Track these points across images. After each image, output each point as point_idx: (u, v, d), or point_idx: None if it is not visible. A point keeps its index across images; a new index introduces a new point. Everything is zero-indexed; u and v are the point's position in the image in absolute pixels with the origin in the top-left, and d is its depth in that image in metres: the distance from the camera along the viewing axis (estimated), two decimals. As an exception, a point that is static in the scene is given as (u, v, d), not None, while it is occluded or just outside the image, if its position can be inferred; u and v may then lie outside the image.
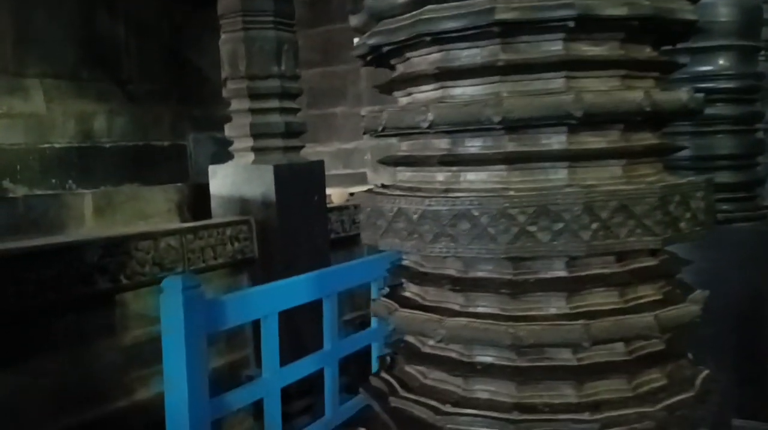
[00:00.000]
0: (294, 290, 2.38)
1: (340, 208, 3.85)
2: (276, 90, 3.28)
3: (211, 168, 3.41)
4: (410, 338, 0.94)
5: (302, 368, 2.43)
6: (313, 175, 3.46)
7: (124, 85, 4.48)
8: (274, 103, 3.30)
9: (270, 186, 3.20)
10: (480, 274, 0.83)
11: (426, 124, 0.81)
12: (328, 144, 5.39)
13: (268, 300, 2.25)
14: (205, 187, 3.78)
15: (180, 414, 1.89)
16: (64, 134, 4.00)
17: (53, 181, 3.87)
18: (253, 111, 3.27)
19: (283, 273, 3.26)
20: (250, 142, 3.30)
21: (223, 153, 5.25)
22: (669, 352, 0.86)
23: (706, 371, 0.88)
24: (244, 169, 3.27)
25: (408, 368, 0.93)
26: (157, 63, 4.73)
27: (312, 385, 2.70)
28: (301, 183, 3.36)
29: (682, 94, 0.83)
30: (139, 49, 4.58)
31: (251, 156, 3.31)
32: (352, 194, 4.47)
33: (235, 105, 3.35)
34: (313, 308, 2.54)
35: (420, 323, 0.85)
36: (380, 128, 0.90)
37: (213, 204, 3.40)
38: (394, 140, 0.97)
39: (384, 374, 0.95)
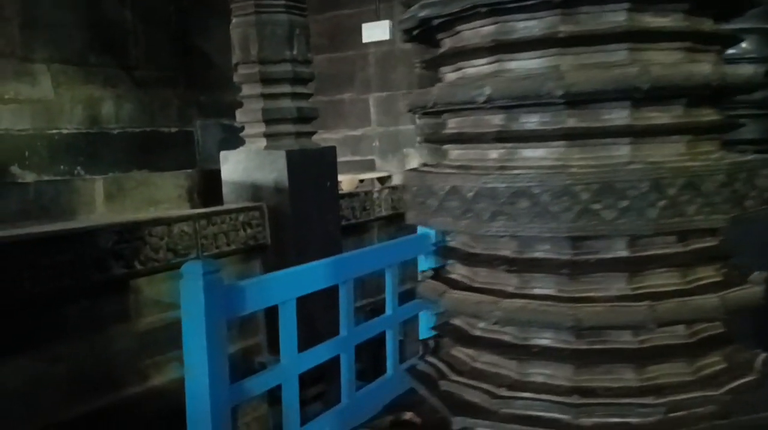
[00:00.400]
0: (311, 276, 2.36)
1: (350, 195, 3.82)
2: (288, 75, 3.24)
3: (223, 154, 3.38)
4: (458, 321, 0.91)
5: (319, 354, 2.41)
6: (325, 161, 3.42)
7: (131, 70, 4.44)
8: (286, 88, 3.26)
9: (282, 172, 3.17)
10: (537, 254, 0.80)
11: (483, 99, 0.78)
12: (335, 131, 5.34)
13: (287, 286, 2.23)
14: (214, 173, 3.75)
15: (201, 400, 1.88)
16: (71, 120, 3.96)
17: (62, 167, 3.83)
18: (264, 96, 3.23)
19: (295, 260, 3.25)
20: (261, 128, 3.27)
21: (230, 139, 5.22)
22: (729, 335, 0.84)
23: (764, 354, 0.86)
24: (256, 154, 3.24)
25: (456, 352, 0.90)
26: (164, 48, 4.68)
27: (324, 372, 2.69)
28: (313, 169, 3.33)
29: (747, 69, 0.80)
30: (146, 33, 4.53)
31: (263, 142, 3.28)
32: (361, 181, 4.44)
33: (246, 90, 3.31)
34: (327, 295, 2.52)
35: (473, 305, 0.83)
36: (430, 105, 0.87)
37: (224, 190, 3.37)
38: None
39: (430, 358, 0.92)
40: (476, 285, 0.86)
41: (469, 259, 0.88)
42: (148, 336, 2.73)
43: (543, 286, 0.80)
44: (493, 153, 0.83)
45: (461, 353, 0.89)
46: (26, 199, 3.25)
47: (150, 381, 2.67)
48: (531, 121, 0.80)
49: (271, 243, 3.24)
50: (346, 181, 4.10)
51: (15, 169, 3.64)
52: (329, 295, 2.50)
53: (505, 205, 0.76)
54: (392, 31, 4.89)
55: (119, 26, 4.35)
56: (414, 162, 4.63)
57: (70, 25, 4.03)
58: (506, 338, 0.84)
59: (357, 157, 5.21)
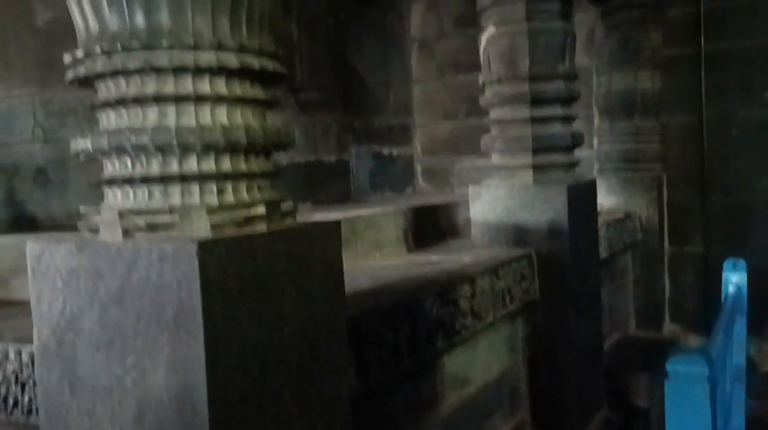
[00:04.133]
0: None
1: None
2: (561, 94, 2.70)
3: (473, 189, 2.82)
4: None
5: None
6: (593, 196, 2.88)
7: (296, 92, 3.91)
8: (557, 110, 2.72)
9: (561, 211, 2.61)
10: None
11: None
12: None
13: None
14: (424, 210, 3.20)
15: None
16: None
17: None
18: (534, 120, 2.69)
19: (575, 320, 2.69)
20: (527, 159, 2.71)
21: (380, 168, 4.68)
22: None
23: None
24: (524, 190, 2.68)
25: None
26: (325, 67, 4.15)
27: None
28: (586, 206, 2.78)
29: None
30: (310, 50, 4.01)
31: (527, 174, 2.72)
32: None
33: (501, 113, 2.76)
34: None
35: None
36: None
37: (474, 232, 2.81)
38: None
39: None
40: None
41: None
42: (451, 422, 2.16)
43: None
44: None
45: None
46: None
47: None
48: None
49: (540, 298, 2.67)
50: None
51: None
52: None
53: None
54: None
55: (287, 41, 3.82)
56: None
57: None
58: None
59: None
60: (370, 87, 4.56)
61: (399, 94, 4.86)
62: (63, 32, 2.79)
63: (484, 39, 2.78)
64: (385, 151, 4.73)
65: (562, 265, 2.63)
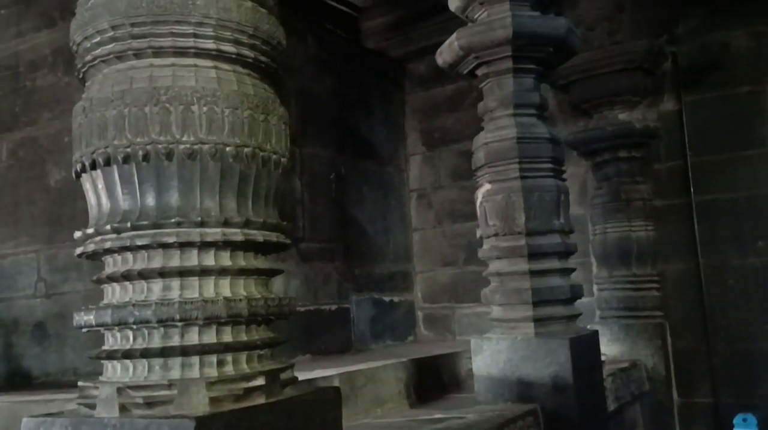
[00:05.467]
0: None
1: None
2: (558, 248, 2.75)
3: (474, 342, 2.80)
4: None
5: None
6: (595, 348, 2.85)
7: (298, 242, 3.98)
8: (555, 263, 2.76)
9: (564, 365, 2.57)
10: None
11: None
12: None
13: None
14: (426, 362, 3.17)
15: None
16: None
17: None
18: (532, 273, 2.72)
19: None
20: (527, 311, 2.71)
21: (384, 316, 4.67)
22: None
23: None
24: (526, 343, 2.66)
25: None
26: (326, 218, 4.27)
27: None
28: (589, 359, 2.74)
29: None
30: (312, 202, 4.14)
31: (529, 327, 2.71)
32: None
33: (500, 266, 2.80)
34: None
35: None
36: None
37: (478, 386, 2.75)
38: None
39: None
40: None
41: None
42: None
43: None
44: None
45: None
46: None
47: None
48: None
49: (547, 458, 2.57)
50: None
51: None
52: None
53: None
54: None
55: (291, 196, 3.95)
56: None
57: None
58: None
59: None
60: (370, 235, 4.65)
61: (399, 241, 4.95)
62: (73, 191, 2.90)
63: (480, 194, 2.87)
64: (386, 298, 4.74)
65: (569, 421, 2.56)
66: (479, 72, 2.87)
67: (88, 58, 1.29)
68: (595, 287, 4.26)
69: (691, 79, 4.17)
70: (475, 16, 2.89)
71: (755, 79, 4.00)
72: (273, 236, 1.34)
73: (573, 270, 2.87)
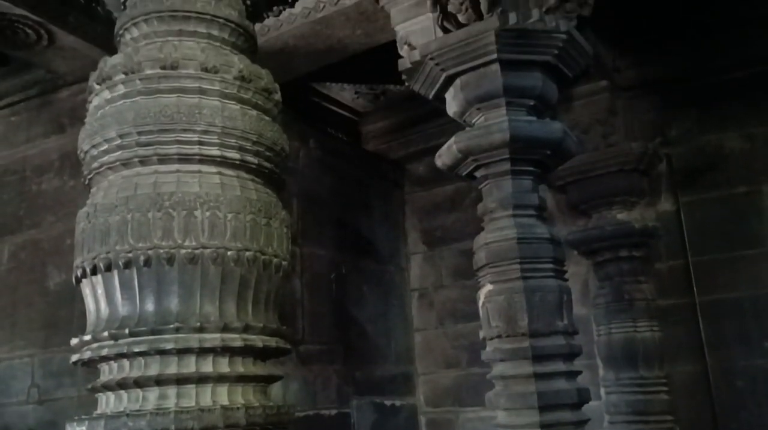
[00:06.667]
0: None
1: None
2: (562, 349, 2.69)
3: (480, 450, 2.69)
4: None
5: None
6: (606, 457, 2.74)
7: (297, 345, 3.92)
8: (560, 366, 2.70)
9: (574, 475, 2.47)
10: None
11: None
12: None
13: None
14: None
15: None
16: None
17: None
18: (537, 376, 2.65)
19: None
20: (533, 417, 2.62)
21: (386, 421, 4.51)
22: None
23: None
24: (534, 451, 2.56)
25: None
26: (325, 319, 4.22)
27: None
28: (600, 468, 2.63)
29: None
30: (312, 304, 4.11)
31: (535, 434, 2.61)
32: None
33: (503, 369, 2.73)
34: None
35: None
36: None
37: (484, 499, 2.63)
38: None
39: None
40: None
41: None
42: None
43: None
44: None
45: None
46: None
47: None
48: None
49: None
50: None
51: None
52: None
53: None
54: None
55: (291, 297, 3.92)
56: None
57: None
58: None
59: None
60: (371, 336, 4.58)
61: (400, 342, 4.87)
62: (71, 293, 2.88)
63: (482, 295, 2.85)
64: (388, 402, 4.61)
65: None
66: (478, 174, 2.91)
67: (95, 165, 1.31)
68: (602, 390, 4.15)
69: (687, 179, 4.23)
70: (473, 121, 2.96)
71: (751, 179, 4.06)
72: (272, 342, 1.32)
73: (579, 373, 2.80)
